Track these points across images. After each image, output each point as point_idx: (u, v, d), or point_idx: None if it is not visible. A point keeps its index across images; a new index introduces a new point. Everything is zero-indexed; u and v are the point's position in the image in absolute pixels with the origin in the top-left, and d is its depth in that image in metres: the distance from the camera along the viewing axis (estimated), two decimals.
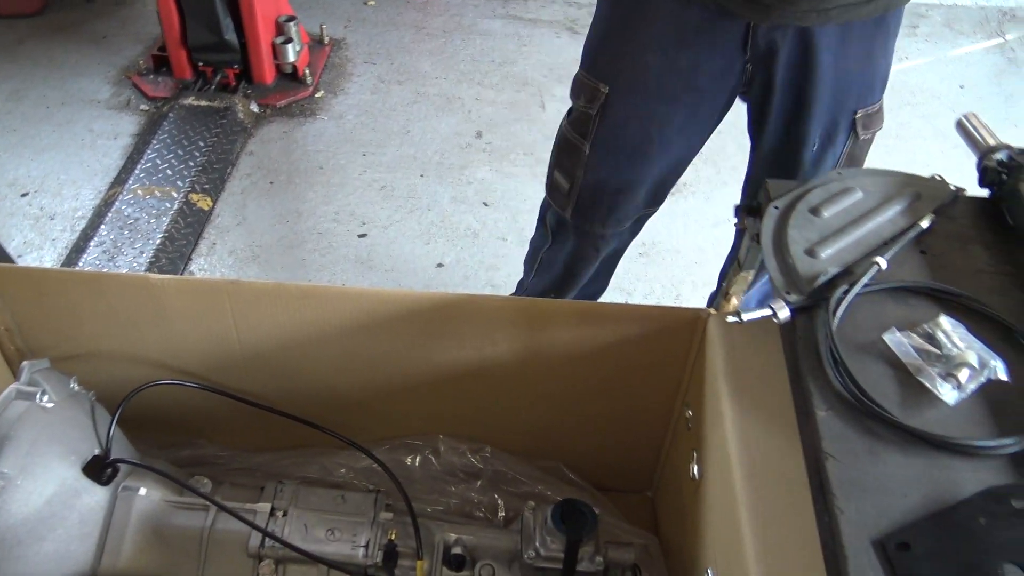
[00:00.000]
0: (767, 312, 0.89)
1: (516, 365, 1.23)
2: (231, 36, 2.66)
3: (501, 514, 1.25)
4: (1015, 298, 0.94)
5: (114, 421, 1.08)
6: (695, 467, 1.11)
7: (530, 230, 2.29)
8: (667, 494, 1.33)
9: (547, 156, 2.56)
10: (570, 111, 1.40)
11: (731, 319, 0.90)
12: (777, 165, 1.26)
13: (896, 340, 0.87)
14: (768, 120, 1.27)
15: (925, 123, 2.59)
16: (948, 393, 0.81)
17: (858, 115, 1.21)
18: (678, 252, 2.17)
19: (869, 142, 1.35)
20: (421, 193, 2.36)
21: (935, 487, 0.74)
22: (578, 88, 1.35)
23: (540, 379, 1.26)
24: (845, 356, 0.84)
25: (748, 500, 0.90)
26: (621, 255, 1.61)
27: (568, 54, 2.98)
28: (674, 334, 1.17)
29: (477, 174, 2.44)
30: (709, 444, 1.06)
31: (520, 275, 2.10)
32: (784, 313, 0.89)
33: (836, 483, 0.74)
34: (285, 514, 1.08)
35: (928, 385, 0.82)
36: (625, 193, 1.37)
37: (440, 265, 2.12)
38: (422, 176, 2.42)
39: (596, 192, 1.37)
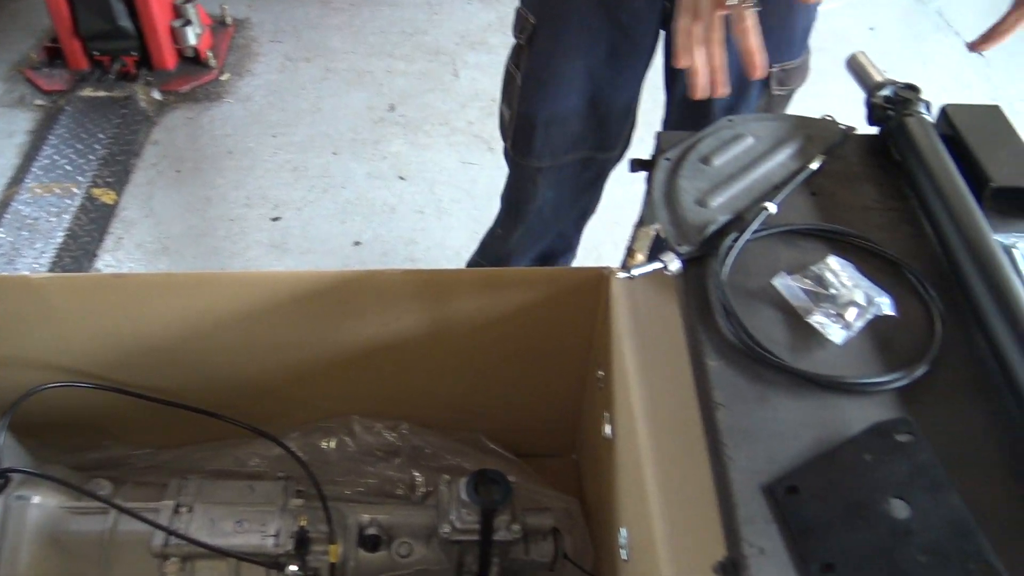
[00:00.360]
0: (658, 265, 0.88)
1: (425, 338, 1.21)
2: (125, 22, 2.55)
3: (421, 490, 1.23)
4: (903, 232, 0.94)
5: (1, 430, 1.03)
6: (607, 427, 1.10)
7: (448, 200, 2.26)
8: (587, 456, 1.32)
9: (461, 125, 2.53)
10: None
11: (622, 275, 0.88)
12: (691, 116, 1.25)
13: (785, 284, 0.86)
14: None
15: (836, 67, 2.62)
16: (836, 333, 0.80)
17: (773, 69, 1.19)
18: (596, 212, 2.15)
19: (785, 98, 1.33)
20: (335, 171, 2.31)
21: (825, 428, 0.73)
22: (515, 19, 1.33)
23: (451, 350, 1.24)
24: (735, 304, 0.83)
25: (652, 457, 0.89)
26: (587, 213, 1.57)
27: (480, 20, 2.93)
28: (580, 294, 1.16)
29: (391, 148, 2.39)
30: (618, 403, 1.05)
31: (441, 247, 2.08)
32: (675, 265, 0.88)
33: (726, 431, 0.73)
34: (190, 510, 1.04)
35: (817, 326, 0.81)
36: (552, 127, 1.35)
37: (357, 243, 2.08)
38: (335, 154, 2.37)
39: (527, 122, 1.36)
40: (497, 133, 1.44)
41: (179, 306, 1.15)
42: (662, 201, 0.96)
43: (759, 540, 0.66)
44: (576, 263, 2.03)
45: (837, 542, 0.65)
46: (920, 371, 0.77)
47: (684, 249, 0.89)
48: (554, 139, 1.36)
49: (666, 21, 1.26)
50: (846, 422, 0.73)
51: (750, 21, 0.92)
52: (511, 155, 1.44)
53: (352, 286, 1.15)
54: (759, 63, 0.93)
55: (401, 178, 2.30)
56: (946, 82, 2.72)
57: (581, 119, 1.34)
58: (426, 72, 2.69)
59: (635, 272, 0.87)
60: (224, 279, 1.15)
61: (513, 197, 1.50)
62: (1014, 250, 0.88)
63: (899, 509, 0.66)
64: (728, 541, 0.68)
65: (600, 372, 1.17)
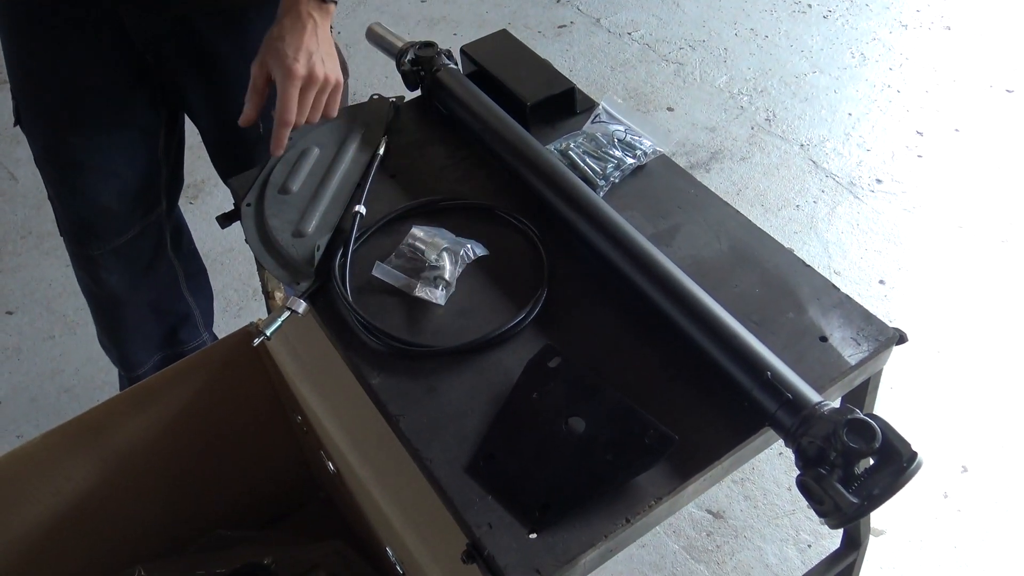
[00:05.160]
0: (287, 314, 0.88)
1: (109, 477, 1.13)
2: None
3: None
4: (480, 176, 1.01)
5: None
6: (330, 464, 1.11)
7: (73, 311, 2.07)
8: (333, 492, 1.32)
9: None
10: None
11: (256, 341, 0.87)
12: (233, 156, 1.21)
13: (383, 270, 0.89)
14: (197, 110, 1.18)
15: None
16: (439, 296, 0.85)
17: None
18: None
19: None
20: None
21: (492, 387, 0.79)
22: None
23: (158, 470, 1.17)
24: (371, 314, 0.86)
25: (375, 479, 0.91)
26: (186, 277, 1.44)
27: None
28: (240, 360, 1.13)
29: None
30: (326, 440, 1.05)
31: (91, 363, 1.90)
32: (302, 306, 0.88)
33: (414, 437, 0.77)
34: None
35: (426, 298, 0.86)
36: (90, 215, 1.22)
37: None
38: None
39: (69, 216, 1.24)
40: None
41: None
42: (261, 248, 0.95)
43: (484, 518, 0.71)
44: (234, 309, 1.97)
45: (542, 482, 0.71)
46: (542, 294, 0.85)
47: (303, 286, 0.90)
48: (100, 226, 1.23)
49: (147, 72, 1.17)
50: (507, 372, 0.80)
51: None
52: (68, 247, 1.29)
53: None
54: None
55: (9, 313, 2.06)
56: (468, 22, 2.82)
57: (117, 197, 1.21)
58: None
59: (268, 332, 0.87)
60: None
61: (88, 290, 1.35)
62: (570, 151, 0.99)
63: (576, 425, 0.74)
64: (463, 530, 0.73)
65: (298, 417, 1.16)
